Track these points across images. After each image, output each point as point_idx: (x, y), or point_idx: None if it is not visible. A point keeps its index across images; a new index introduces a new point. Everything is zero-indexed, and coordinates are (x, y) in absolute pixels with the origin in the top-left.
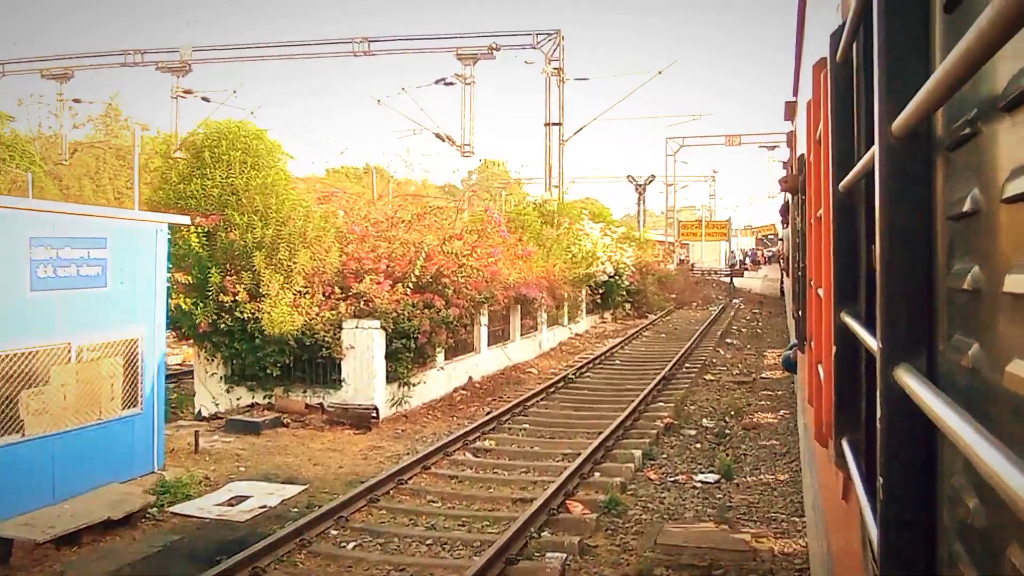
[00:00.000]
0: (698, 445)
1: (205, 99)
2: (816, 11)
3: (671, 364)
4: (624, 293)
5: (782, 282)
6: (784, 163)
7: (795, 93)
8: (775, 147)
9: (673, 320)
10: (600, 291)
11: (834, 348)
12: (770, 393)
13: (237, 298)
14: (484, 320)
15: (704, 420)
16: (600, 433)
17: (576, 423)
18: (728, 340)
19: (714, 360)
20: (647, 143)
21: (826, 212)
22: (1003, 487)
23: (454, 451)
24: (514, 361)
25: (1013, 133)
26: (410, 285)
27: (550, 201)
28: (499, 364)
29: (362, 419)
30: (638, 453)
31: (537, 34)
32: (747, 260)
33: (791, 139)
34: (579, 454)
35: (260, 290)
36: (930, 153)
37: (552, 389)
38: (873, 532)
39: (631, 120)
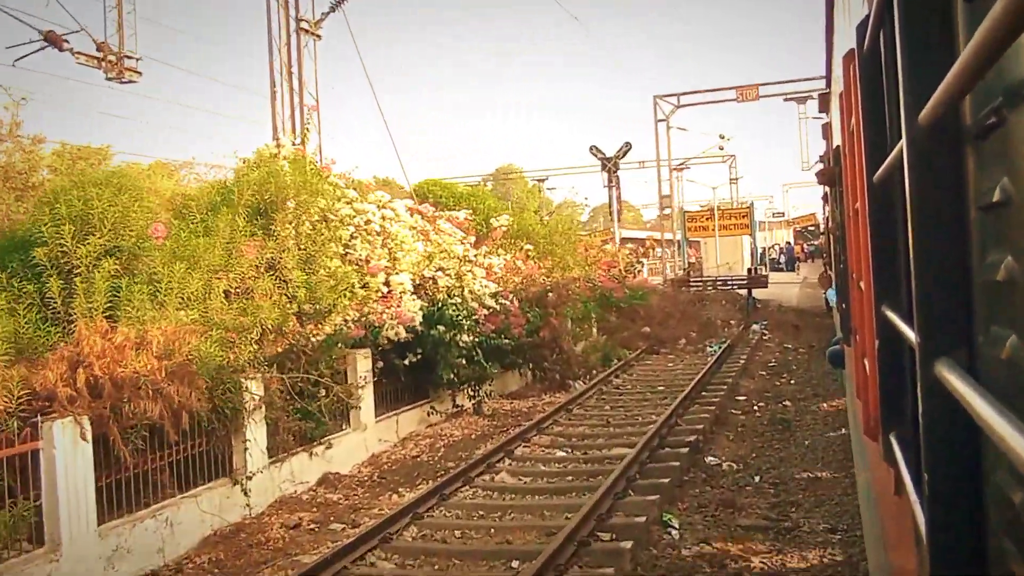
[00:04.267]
0: None
1: None
2: (844, 1)
3: None
4: (463, 359)
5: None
6: (820, 156)
7: (827, 84)
8: (806, 98)
9: (621, 389)
10: (412, 358)
11: (877, 342)
12: None
13: None
14: None
15: None
16: None
17: None
18: (711, 455)
19: None
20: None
21: (862, 204)
22: None
23: None
24: None
25: None
26: None
27: (273, 160)
28: None
29: None
30: None
31: None
32: (781, 259)
33: (826, 130)
34: None
35: None
36: (958, 143)
37: None
38: (924, 529)
39: None
